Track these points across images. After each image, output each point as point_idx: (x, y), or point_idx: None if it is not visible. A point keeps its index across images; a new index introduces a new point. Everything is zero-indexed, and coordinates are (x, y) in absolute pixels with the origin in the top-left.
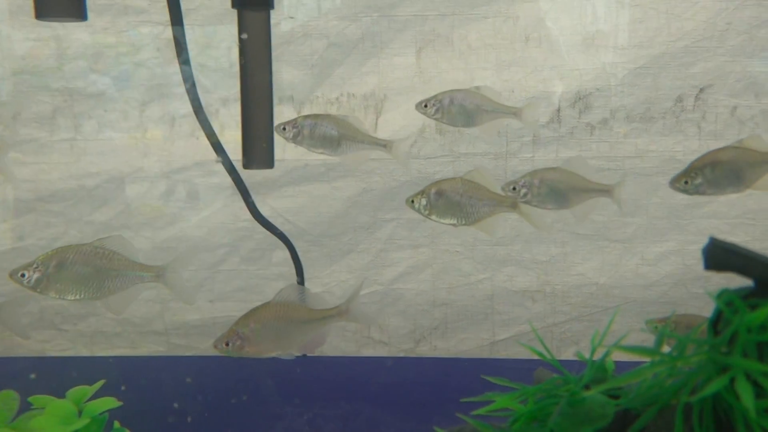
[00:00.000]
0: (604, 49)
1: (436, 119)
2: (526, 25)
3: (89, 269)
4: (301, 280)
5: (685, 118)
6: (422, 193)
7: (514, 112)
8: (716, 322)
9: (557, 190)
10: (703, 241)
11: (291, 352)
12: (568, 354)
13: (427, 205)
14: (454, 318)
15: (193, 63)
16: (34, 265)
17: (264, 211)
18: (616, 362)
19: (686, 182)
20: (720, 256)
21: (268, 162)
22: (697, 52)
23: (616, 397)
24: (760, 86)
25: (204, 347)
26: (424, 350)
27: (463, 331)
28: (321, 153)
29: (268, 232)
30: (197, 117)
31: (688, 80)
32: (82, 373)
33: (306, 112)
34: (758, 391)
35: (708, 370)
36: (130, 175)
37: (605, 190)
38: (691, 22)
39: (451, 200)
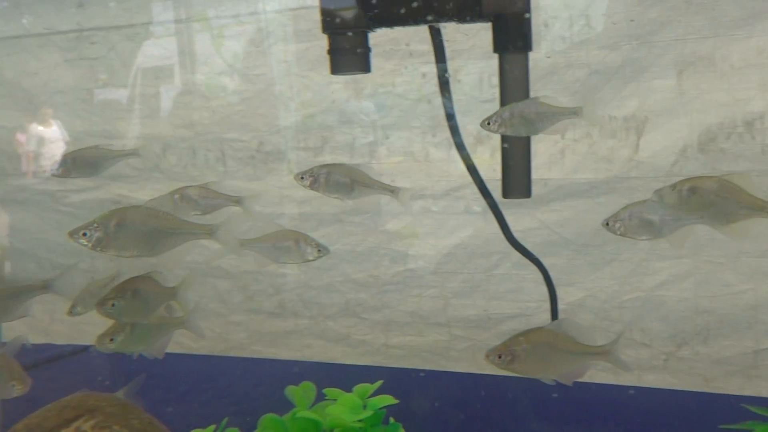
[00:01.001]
0: None
1: (501, 132)
2: None
3: (146, 228)
4: (554, 305)
5: None
6: (673, 187)
7: (575, 112)
8: None
9: None
10: None
11: (551, 377)
12: None
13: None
14: (717, 325)
15: (464, 96)
16: (94, 225)
17: (532, 223)
18: None
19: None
20: None
21: (526, 192)
22: None
23: None
24: None
25: (481, 338)
26: (686, 354)
27: (726, 339)
28: (336, 198)
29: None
30: (456, 144)
31: None
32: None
33: (570, 135)
34: None
35: None
36: (416, 192)
37: None
38: None
39: (704, 198)
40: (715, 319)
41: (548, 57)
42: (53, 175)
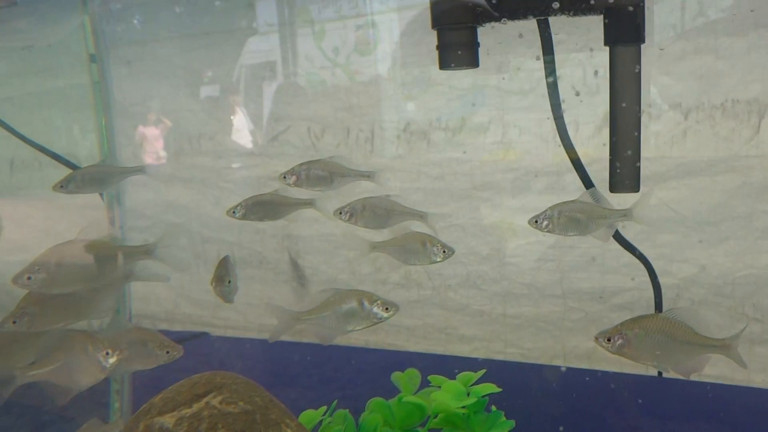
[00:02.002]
0: None
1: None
2: None
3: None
4: (659, 300)
5: None
6: None
7: (624, 214)
8: None
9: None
10: None
11: (666, 367)
12: None
13: None
14: None
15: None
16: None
17: (651, 201)
18: None
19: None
20: None
21: (635, 186)
22: None
23: None
24: None
25: (593, 310)
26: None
27: None
28: (319, 191)
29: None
30: (560, 137)
31: None
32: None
33: (692, 116)
34: None
35: None
36: (541, 170)
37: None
38: None
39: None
40: None
41: (662, 49)
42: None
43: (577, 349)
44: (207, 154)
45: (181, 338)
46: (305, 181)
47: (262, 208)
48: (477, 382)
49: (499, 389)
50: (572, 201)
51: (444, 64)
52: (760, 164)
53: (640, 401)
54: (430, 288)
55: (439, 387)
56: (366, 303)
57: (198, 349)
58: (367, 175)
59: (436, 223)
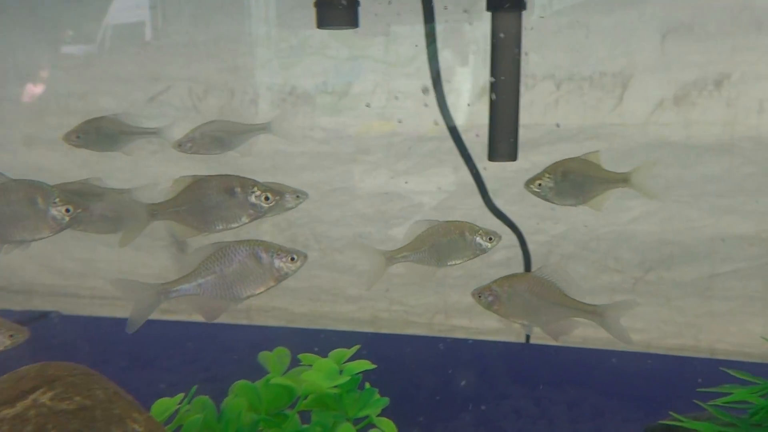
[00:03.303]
0: None
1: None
2: None
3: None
4: (528, 266)
5: None
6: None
7: (263, 128)
8: None
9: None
10: None
11: (532, 326)
12: None
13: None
14: (679, 254)
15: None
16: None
17: (524, 164)
18: None
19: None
20: None
21: (512, 155)
22: None
23: None
24: None
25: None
26: (652, 278)
27: (687, 265)
28: (218, 153)
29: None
30: (440, 109)
31: None
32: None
33: (564, 87)
34: None
35: None
36: (424, 135)
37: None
38: None
39: (574, 179)
40: (678, 249)
41: (542, 17)
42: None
43: (458, 304)
44: (76, 114)
45: (26, 319)
46: (201, 148)
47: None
48: (351, 359)
49: (373, 366)
50: (573, 158)
51: (322, 23)
52: (621, 132)
53: (509, 368)
54: (318, 250)
55: (311, 366)
56: (468, 234)
57: (45, 332)
58: (263, 128)
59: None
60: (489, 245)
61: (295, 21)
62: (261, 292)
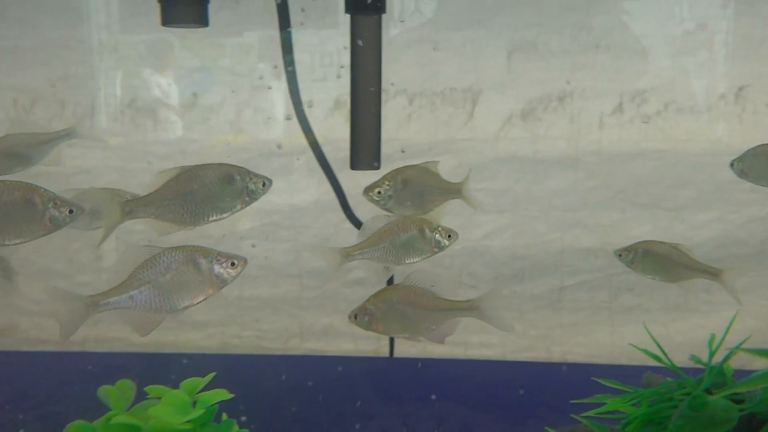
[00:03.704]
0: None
1: None
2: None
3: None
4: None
5: (728, 110)
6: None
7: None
8: None
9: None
10: (744, 211)
11: (418, 337)
12: (624, 299)
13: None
14: (530, 268)
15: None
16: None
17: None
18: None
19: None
20: None
21: (375, 163)
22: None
23: (739, 401)
24: None
25: (328, 287)
26: (505, 293)
27: (537, 279)
28: (20, 170)
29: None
30: (298, 118)
31: (731, 80)
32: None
33: (416, 102)
34: None
35: None
36: (275, 151)
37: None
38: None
39: (414, 187)
40: (529, 263)
41: (402, 21)
42: None
43: (314, 327)
44: None
45: None
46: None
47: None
48: (206, 388)
49: (231, 395)
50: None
51: (167, 19)
52: (473, 147)
53: (374, 383)
54: None
55: (159, 399)
56: (427, 230)
57: None
58: (68, 134)
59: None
60: (447, 242)
61: (137, 27)
62: (199, 302)
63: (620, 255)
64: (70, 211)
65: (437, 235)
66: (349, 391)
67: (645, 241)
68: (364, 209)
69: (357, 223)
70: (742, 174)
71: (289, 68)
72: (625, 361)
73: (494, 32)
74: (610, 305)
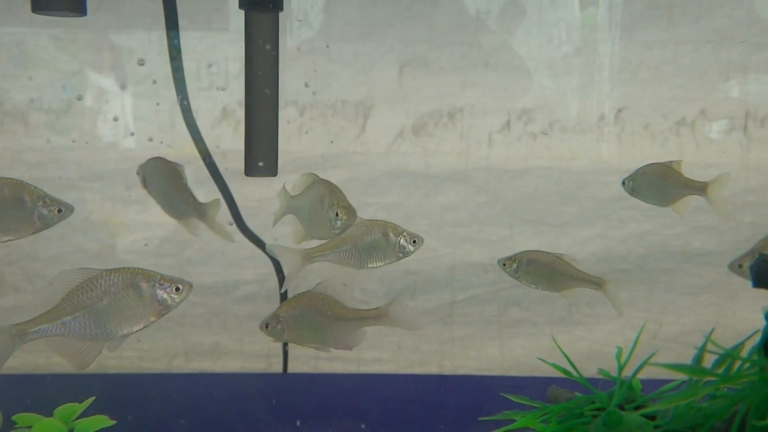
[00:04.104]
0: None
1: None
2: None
3: None
4: (283, 293)
5: (608, 131)
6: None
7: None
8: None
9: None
10: (624, 228)
11: (327, 347)
12: (512, 313)
13: None
14: (422, 283)
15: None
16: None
17: (268, 193)
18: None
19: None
20: None
21: (272, 170)
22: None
23: (650, 417)
24: (667, 109)
25: (215, 303)
26: (409, 301)
27: (429, 294)
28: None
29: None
30: (186, 122)
31: (611, 102)
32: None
33: (308, 114)
34: None
35: (763, 392)
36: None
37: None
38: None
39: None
40: (420, 278)
41: (299, 20)
42: None
43: (201, 345)
44: None
45: None
46: None
47: None
48: (84, 414)
49: (112, 422)
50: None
51: (37, 6)
52: (365, 160)
53: (272, 401)
54: (31, 292)
55: (29, 429)
56: (392, 234)
57: None
58: None
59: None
60: (412, 248)
61: (6, 25)
62: (139, 330)
63: (504, 264)
64: (59, 210)
65: (402, 240)
66: (243, 408)
67: (528, 251)
68: (254, 221)
69: (251, 235)
70: (634, 192)
71: (177, 74)
72: (514, 373)
73: (386, 46)
74: (499, 319)
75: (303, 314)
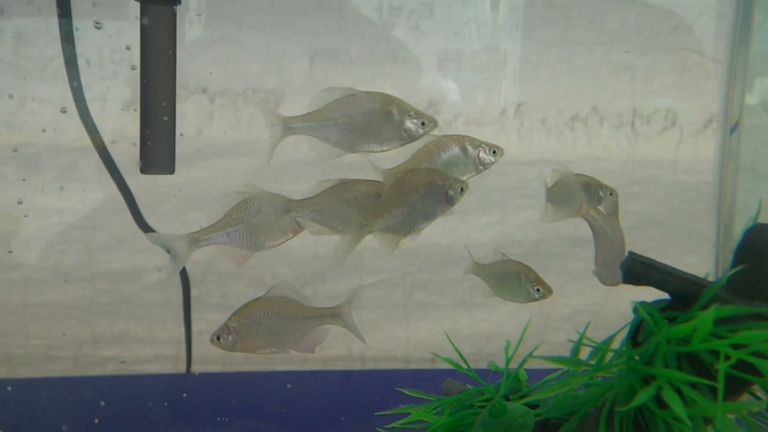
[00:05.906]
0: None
1: None
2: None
3: None
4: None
5: (508, 124)
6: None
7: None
8: (635, 333)
9: None
10: (519, 215)
11: (286, 349)
12: (418, 297)
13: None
14: (331, 268)
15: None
16: None
17: (179, 181)
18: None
19: None
20: (639, 270)
21: (169, 167)
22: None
23: (534, 406)
24: (563, 104)
25: (125, 291)
26: (309, 293)
27: (338, 278)
28: None
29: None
30: (80, 115)
31: (512, 97)
32: None
33: (218, 101)
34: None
35: (629, 380)
36: (64, 147)
37: None
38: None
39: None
40: (330, 263)
41: (199, 15)
42: None
43: (108, 333)
44: None
45: None
46: None
47: None
48: None
49: None
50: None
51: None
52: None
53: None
54: None
55: None
56: (470, 147)
57: None
58: None
59: None
60: (493, 159)
61: None
62: (282, 242)
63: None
64: (423, 124)
65: (481, 153)
66: (148, 410)
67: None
68: (155, 216)
69: (146, 228)
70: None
71: (70, 61)
72: (419, 355)
73: (297, 36)
74: (405, 303)
75: (256, 321)
